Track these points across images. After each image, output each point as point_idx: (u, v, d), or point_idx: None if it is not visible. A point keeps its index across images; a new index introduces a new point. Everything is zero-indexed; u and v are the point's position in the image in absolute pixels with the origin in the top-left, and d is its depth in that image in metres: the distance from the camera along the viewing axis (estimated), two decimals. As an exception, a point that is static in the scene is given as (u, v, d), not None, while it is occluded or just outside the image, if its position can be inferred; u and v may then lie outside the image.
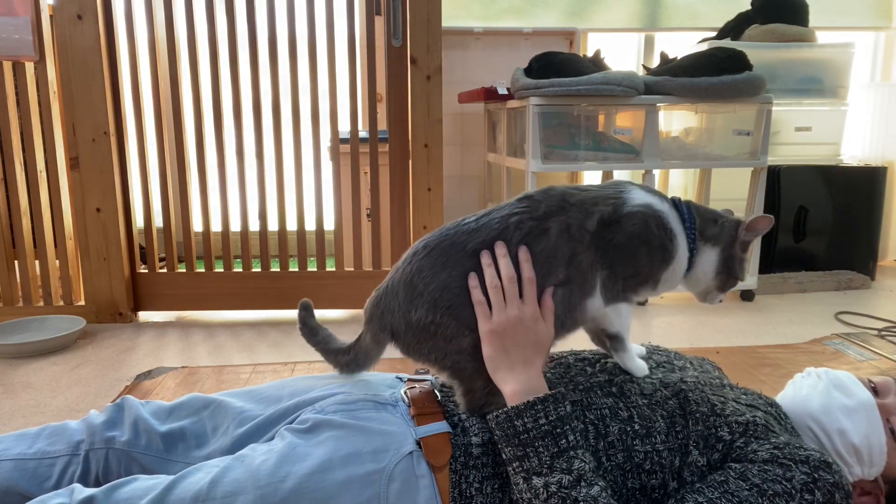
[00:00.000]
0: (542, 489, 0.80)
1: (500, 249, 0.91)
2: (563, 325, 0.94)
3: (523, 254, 0.91)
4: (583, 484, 0.79)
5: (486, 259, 0.92)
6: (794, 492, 0.80)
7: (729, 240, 0.98)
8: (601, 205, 0.94)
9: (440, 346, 0.92)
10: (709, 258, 0.99)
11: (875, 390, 0.98)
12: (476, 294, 0.91)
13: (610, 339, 0.99)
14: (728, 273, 0.99)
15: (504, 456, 0.86)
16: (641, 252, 0.93)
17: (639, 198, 0.95)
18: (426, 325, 0.92)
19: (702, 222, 0.98)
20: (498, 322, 0.89)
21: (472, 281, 0.91)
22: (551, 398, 0.85)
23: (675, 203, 0.99)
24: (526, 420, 0.83)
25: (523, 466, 0.83)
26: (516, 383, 0.87)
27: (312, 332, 1.05)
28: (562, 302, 0.93)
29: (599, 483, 0.81)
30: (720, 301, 1.04)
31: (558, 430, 0.83)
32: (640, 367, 0.99)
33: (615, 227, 0.93)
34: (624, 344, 0.99)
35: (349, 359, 1.02)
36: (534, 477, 0.81)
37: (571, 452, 0.82)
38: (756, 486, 0.81)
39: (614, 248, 0.93)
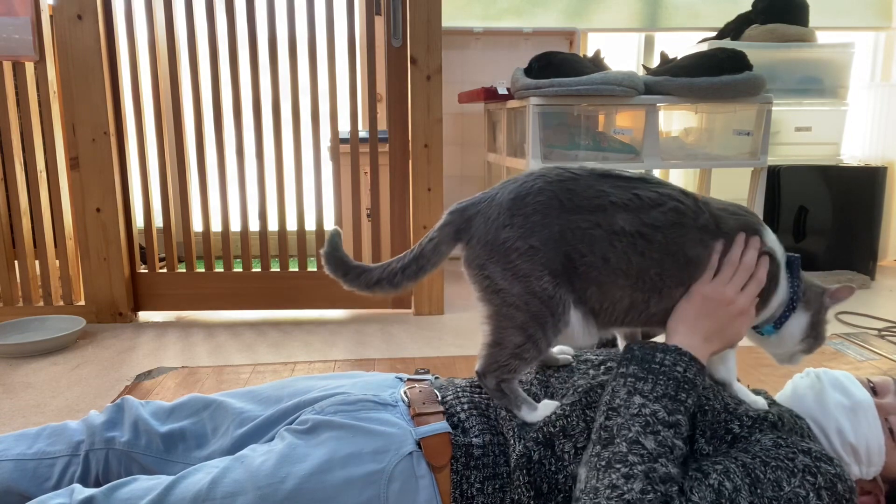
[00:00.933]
0: (636, 406, 0.81)
1: (756, 242, 0.93)
2: (649, 320, 0.93)
3: (764, 259, 0.93)
4: (673, 431, 0.80)
5: (740, 238, 0.92)
6: (795, 470, 0.81)
7: (818, 306, 1.00)
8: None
9: (505, 278, 0.88)
10: (800, 322, 0.99)
11: (874, 390, 0.99)
12: (714, 258, 0.91)
13: (715, 384, 0.99)
14: (816, 337, 1.01)
15: (623, 369, 0.86)
16: None
17: (770, 240, 0.95)
18: (508, 249, 0.87)
19: (805, 285, 0.99)
20: (713, 291, 0.89)
21: (719, 245, 0.91)
22: (699, 364, 0.87)
23: (790, 260, 0.98)
24: (666, 358, 0.85)
25: (636, 386, 0.83)
26: (684, 344, 0.88)
27: (342, 263, 0.96)
28: (661, 300, 0.91)
29: (684, 446, 0.81)
30: (799, 361, 1.04)
31: (686, 386, 0.84)
32: (757, 403, 0.97)
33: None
34: (731, 389, 0.98)
35: (409, 259, 0.93)
36: (637, 395, 0.82)
37: (682, 407, 0.83)
38: (759, 457, 0.82)
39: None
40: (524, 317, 0.89)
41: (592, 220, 0.87)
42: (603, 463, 0.78)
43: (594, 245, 0.87)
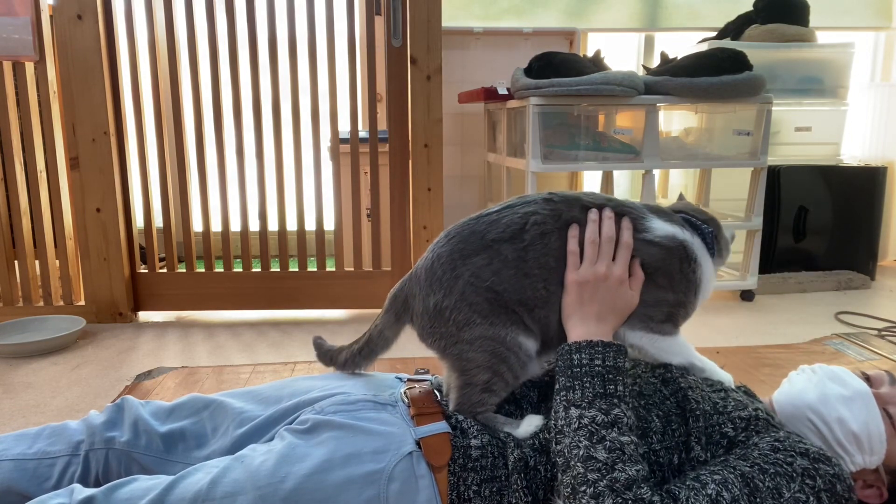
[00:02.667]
0: (575, 419, 0.83)
1: (609, 213, 0.95)
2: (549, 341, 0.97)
3: (625, 221, 0.95)
4: (615, 429, 0.81)
5: (593, 215, 0.95)
6: (794, 475, 0.81)
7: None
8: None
9: (452, 333, 0.94)
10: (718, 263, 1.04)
11: (869, 382, 0.99)
12: (572, 244, 0.94)
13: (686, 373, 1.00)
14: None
15: (556, 385, 0.89)
16: (662, 283, 0.96)
17: (659, 228, 0.97)
18: (441, 309, 0.94)
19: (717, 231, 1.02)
20: (583, 274, 0.93)
21: (573, 231, 0.94)
22: (614, 346, 0.89)
23: (693, 224, 1.00)
24: (583, 356, 0.87)
25: (567, 397, 0.86)
26: (583, 333, 0.91)
27: (329, 352, 1.11)
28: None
29: (632, 437, 0.82)
30: None
31: (610, 377, 0.86)
32: (726, 378, 1.00)
33: (634, 258, 0.96)
34: (697, 369, 1.00)
35: (362, 343, 1.05)
36: (572, 407, 0.84)
37: (615, 400, 0.84)
38: (757, 464, 0.82)
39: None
40: (484, 356, 0.93)
41: (487, 256, 0.93)
42: (569, 490, 0.80)
43: (500, 277, 0.92)
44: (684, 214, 1.02)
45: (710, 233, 1.00)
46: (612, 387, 0.85)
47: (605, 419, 0.82)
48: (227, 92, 2.32)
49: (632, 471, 0.78)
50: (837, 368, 1.01)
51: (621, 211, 0.97)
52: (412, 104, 2.31)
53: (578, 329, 0.91)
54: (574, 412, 0.84)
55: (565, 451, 0.82)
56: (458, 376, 0.95)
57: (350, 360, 1.08)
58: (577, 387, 0.85)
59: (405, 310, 1.00)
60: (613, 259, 0.93)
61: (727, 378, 1.01)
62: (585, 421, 0.82)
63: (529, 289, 0.93)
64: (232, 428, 1.00)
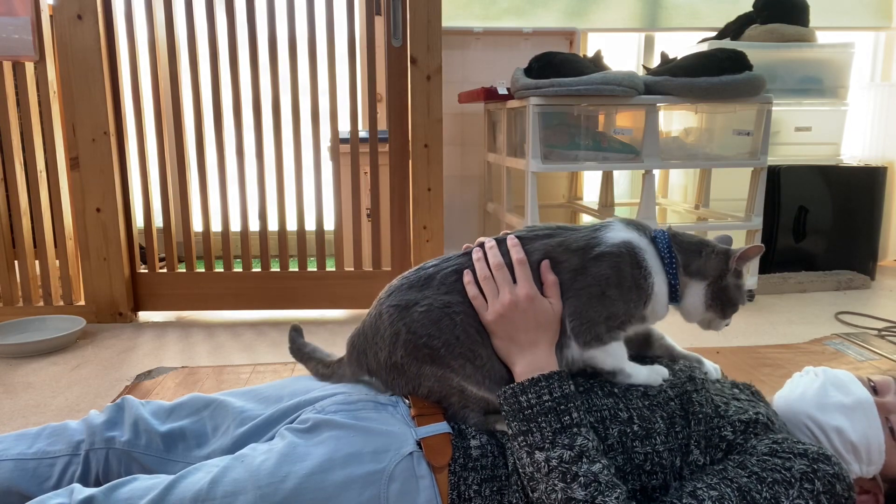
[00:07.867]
0: (543, 463, 0.82)
1: (489, 243, 0.96)
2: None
3: (511, 240, 0.95)
4: (584, 460, 0.81)
5: (476, 254, 0.95)
6: (793, 480, 0.81)
7: (718, 273, 0.96)
8: (569, 256, 0.94)
9: (412, 379, 0.95)
10: (695, 292, 0.97)
11: (875, 389, 0.99)
12: (471, 289, 0.94)
13: (608, 375, 0.97)
14: (725, 303, 0.98)
15: (510, 431, 0.87)
16: (612, 294, 0.92)
17: (615, 236, 0.94)
18: (392, 364, 0.95)
19: (685, 257, 0.96)
20: (494, 311, 0.92)
21: (467, 277, 0.94)
22: (556, 376, 0.87)
23: (654, 237, 0.97)
24: (530, 396, 0.86)
25: (527, 441, 0.84)
26: (523, 364, 0.90)
27: (300, 349, 1.13)
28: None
29: (602, 460, 0.81)
30: (726, 325, 1.02)
31: (562, 407, 0.85)
32: (653, 380, 0.97)
33: (583, 273, 0.93)
34: (625, 373, 0.96)
35: (327, 372, 1.06)
36: (536, 451, 0.83)
37: (574, 429, 0.83)
38: (755, 473, 0.82)
39: (583, 290, 0.93)
40: (449, 388, 0.94)
41: (424, 308, 0.93)
42: None
43: (439, 328, 0.92)
44: (659, 232, 0.99)
45: (672, 260, 0.95)
46: (566, 417, 0.84)
47: (572, 454, 0.81)
48: (227, 92, 2.32)
49: (612, 500, 0.78)
50: (842, 374, 1.00)
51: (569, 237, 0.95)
52: (412, 104, 2.31)
53: (518, 364, 0.90)
54: (540, 456, 0.82)
55: (543, 497, 0.81)
56: (440, 403, 0.96)
57: (314, 370, 1.10)
58: (533, 429, 0.84)
59: (363, 362, 1.00)
60: (515, 281, 0.92)
61: (654, 379, 0.97)
62: (554, 463, 0.81)
63: (465, 337, 0.92)
64: (232, 427, 1.00)
